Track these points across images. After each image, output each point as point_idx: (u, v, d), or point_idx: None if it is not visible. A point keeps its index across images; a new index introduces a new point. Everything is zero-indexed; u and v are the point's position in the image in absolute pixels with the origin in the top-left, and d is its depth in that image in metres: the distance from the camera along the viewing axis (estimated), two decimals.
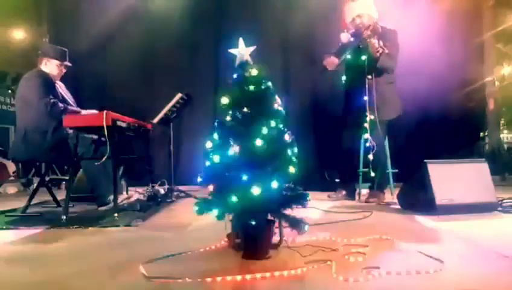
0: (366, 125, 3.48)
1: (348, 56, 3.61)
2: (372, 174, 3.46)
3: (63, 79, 3.46)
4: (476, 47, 5.52)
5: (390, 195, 3.62)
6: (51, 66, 3.25)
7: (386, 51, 3.33)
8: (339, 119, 3.85)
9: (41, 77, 3.14)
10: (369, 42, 3.35)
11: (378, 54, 3.34)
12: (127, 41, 5.32)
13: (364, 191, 3.70)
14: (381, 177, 3.58)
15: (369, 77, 3.49)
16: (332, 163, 4.39)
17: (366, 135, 3.47)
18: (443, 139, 5.26)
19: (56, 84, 3.26)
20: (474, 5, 5.57)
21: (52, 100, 3.03)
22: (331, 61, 3.59)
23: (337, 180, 4.06)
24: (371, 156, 3.42)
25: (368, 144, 3.47)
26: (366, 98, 3.48)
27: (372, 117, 3.47)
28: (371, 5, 3.59)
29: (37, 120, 3.03)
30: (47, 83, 3.13)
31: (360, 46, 3.49)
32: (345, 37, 3.63)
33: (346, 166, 3.76)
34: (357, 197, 3.71)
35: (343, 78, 3.78)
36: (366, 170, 3.57)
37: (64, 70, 3.35)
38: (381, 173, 3.59)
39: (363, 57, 3.49)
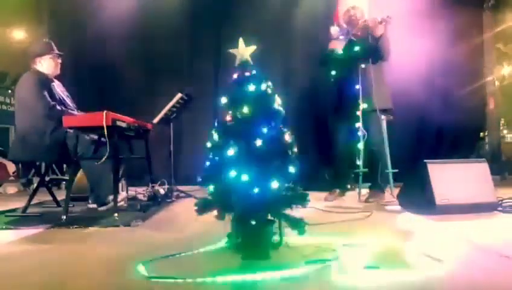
0: (359, 113, 3.46)
1: (340, 51, 3.59)
2: (360, 163, 3.45)
3: (62, 78, 3.46)
4: (476, 47, 5.52)
5: (390, 195, 3.62)
6: (46, 63, 3.23)
7: (391, 18, 3.31)
8: (332, 114, 3.82)
9: (38, 77, 3.12)
10: (368, 24, 3.36)
11: (384, 24, 3.33)
12: (127, 41, 5.32)
13: (365, 191, 3.71)
14: (380, 175, 3.57)
15: (363, 66, 3.48)
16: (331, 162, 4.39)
17: (358, 124, 3.46)
18: (443, 139, 5.26)
19: (53, 85, 3.25)
20: (474, 5, 5.57)
21: (51, 103, 3.03)
22: (338, 42, 3.59)
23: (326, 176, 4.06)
24: (361, 145, 3.42)
25: (359, 133, 3.46)
26: (358, 86, 3.47)
27: (365, 106, 3.46)
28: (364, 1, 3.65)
29: (35, 121, 3.02)
30: (43, 83, 3.12)
31: (353, 38, 3.50)
32: (335, 30, 3.64)
33: (340, 162, 3.73)
34: (357, 197, 3.72)
35: (333, 72, 3.70)
36: (365, 170, 3.57)
37: (59, 61, 3.32)
38: (381, 171, 3.57)
39: (356, 48, 3.50)
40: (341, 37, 3.61)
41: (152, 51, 5.40)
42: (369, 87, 3.47)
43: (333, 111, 3.81)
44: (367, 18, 3.55)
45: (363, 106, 3.46)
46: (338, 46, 3.58)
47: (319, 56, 3.78)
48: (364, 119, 3.47)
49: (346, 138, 3.62)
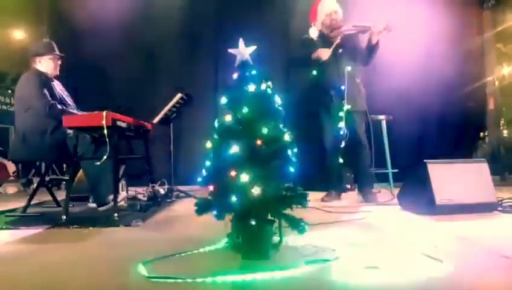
0: (342, 114, 3.45)
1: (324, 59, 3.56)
2: (341, 160, 3.47)
3: (61, 78, 3.46)
4: (476, 47, 5.52)
5: (391, 195, 3.62)
6: (45, 63, 3.24)
7: (391, 26, 3.34)
8: (319, 115, 3.78)
9: (38, 77, 3.13)
10: (374, 31, 3.39)
11: (388, 33, 3.36)
12: (127, 41, 5.32)
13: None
14: (364, 172, 3.57)
15: (349, 68, 3.49)
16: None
17: (341, 123, 3.45)
18: (443, 139, 5.26)
19: (53, 84, 3.25)
20: (474, 5, 5.57)
21: (51, 102, 3.03)
22: (324, 51, 3.53)
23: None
24: (343, 144, 3.42)
25: (341, 132, 3.45)
26: (343, 87, 3.47)
27: (349, 107, 3.46)
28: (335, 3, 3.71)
29: (35, 120, 3.02)
30: (43, 82, 3.12)
31: (337, 42, 3.51)
32: (314, 32, 3.64)
33: (330, 164, 3.71)
34: (357, 197, 3.72)
35: (314, 72, 3.65)
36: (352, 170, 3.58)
37: (59, 62, 3.33)
38: (364, 168, 3.57)
39: (340, 50, 3.52)
40: (317, 39, 3.62)
41: (152, 50, 5.40)
42: (354, 89, 3.51)
43: (319, 112, 3.76)
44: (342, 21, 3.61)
45: (347, 106, 3.46)
46: (323, 55, 3.54)
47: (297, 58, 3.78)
48: (350, 120, 3.47)
49: (333, 139, 3.60)
